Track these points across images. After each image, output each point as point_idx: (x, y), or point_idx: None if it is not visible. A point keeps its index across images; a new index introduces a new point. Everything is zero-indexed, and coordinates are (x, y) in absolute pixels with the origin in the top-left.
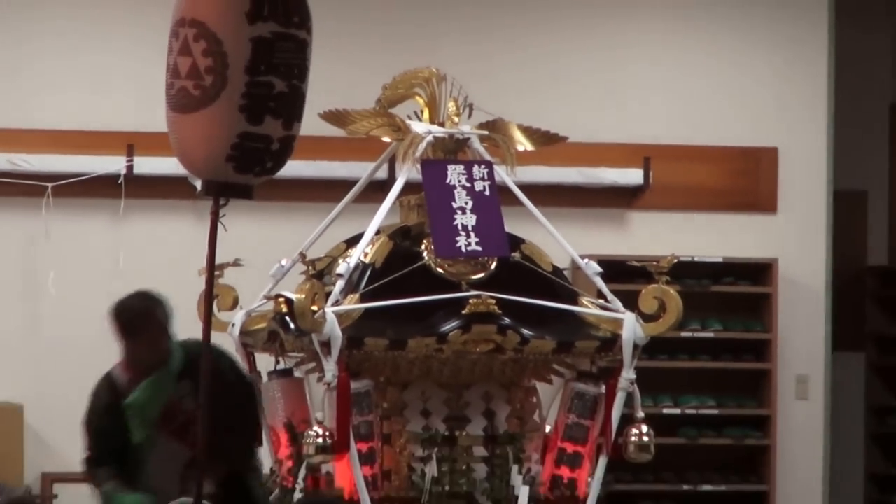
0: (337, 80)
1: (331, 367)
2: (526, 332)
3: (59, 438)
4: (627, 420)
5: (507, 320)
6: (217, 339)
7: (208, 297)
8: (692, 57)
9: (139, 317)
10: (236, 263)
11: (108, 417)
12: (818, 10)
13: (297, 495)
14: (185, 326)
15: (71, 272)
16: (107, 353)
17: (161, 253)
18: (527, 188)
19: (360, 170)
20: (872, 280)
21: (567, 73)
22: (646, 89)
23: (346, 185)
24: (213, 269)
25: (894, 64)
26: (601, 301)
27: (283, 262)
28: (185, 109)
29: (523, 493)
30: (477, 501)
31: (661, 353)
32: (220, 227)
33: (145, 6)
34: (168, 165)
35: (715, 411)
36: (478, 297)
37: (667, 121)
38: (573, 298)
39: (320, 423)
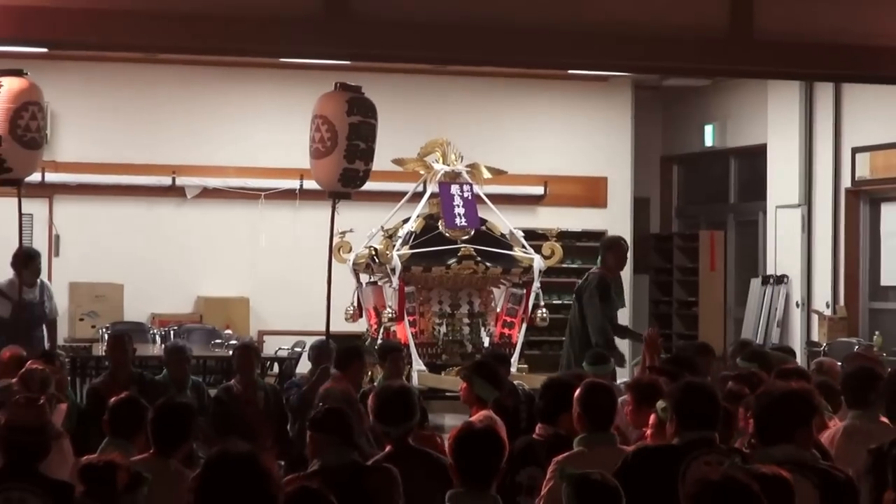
0: (389, 141)
1: (395, 280)
2: (488, 264)
3: (267, 313)
4: (535, 306)
5: (479, 258)
6: (341, 268)
7: (330, 246)
8: (570, 127)
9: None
10: (350, 231)
11: None
12: (625, 104)
13: (379, 341)
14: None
15: (272, 235)
16: (288, 274)
17: (316, 226)
18: (488, 195)
19: (409, 186)
20: (652, 240)
21: (509, 136)
22: (545, 145)
23: (401, 194)
24: (332, 233)
25: (663, 131)
26: (524, 249)
27: (373, 230)
28: (318, 157)
29: (486, 341)
30: (465, 345)
31: (549, 275)
32: (336, 213)
33: (307, 105)
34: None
35: None
36: (465, 247)
37: (554, 162)
38: (510, 247)
39: (390, 307)
